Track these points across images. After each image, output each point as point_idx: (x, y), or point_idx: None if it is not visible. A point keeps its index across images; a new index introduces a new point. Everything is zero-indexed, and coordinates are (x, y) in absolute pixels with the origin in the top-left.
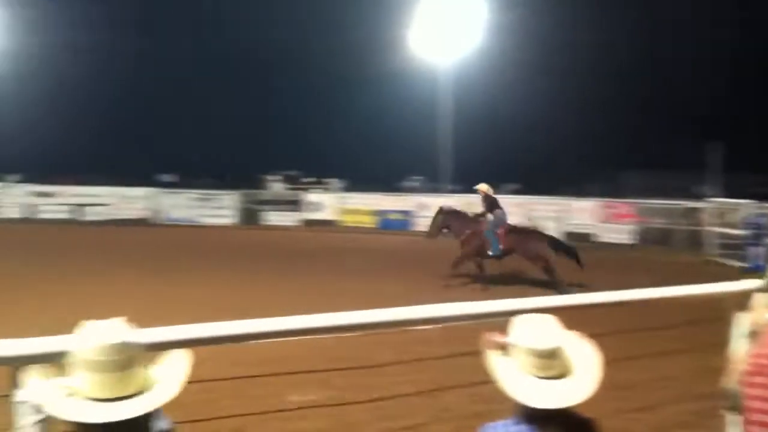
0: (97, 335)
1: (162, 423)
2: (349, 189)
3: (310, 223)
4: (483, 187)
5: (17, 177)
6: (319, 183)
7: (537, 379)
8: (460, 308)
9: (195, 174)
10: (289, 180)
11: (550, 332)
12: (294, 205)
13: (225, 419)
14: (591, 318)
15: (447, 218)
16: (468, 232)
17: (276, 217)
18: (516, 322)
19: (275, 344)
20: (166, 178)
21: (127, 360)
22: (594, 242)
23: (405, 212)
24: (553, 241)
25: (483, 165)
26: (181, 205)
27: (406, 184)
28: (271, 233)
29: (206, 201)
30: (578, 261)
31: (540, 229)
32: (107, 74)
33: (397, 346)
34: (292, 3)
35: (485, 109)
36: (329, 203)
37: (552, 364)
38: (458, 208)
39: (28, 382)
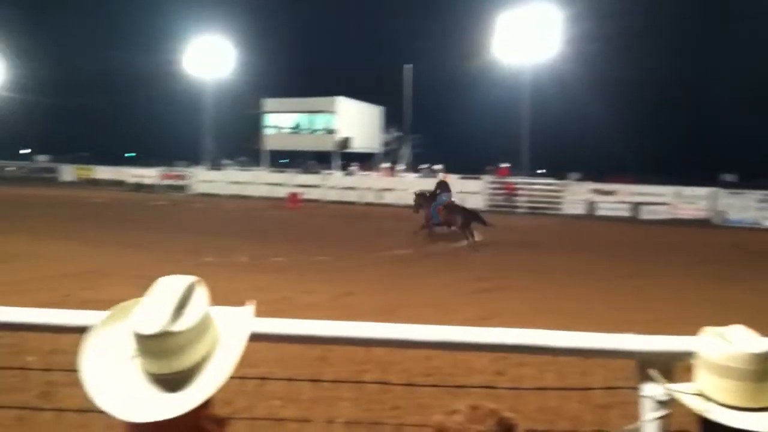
0: (737, 342)
1: None
2: None
3: None
4: (441, 175)
5: (578, 175)
6: None
7: None
8: None
9: (759, 174)
10: None
11: None
12: None
13: None
14: None
15: (419, 199)
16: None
17: None
18: None
19: None
20: (729, 177)
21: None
22: None
23: None
24: (467, 213)
25: None
26: (742, 206)
27: None
28: None
29: None
30: (483, 223)
31: (465, 207)
32: (658, 76)
33: None
34: None
35: None
36: None
37: None
38: (426, 192)
39: (655, 378)
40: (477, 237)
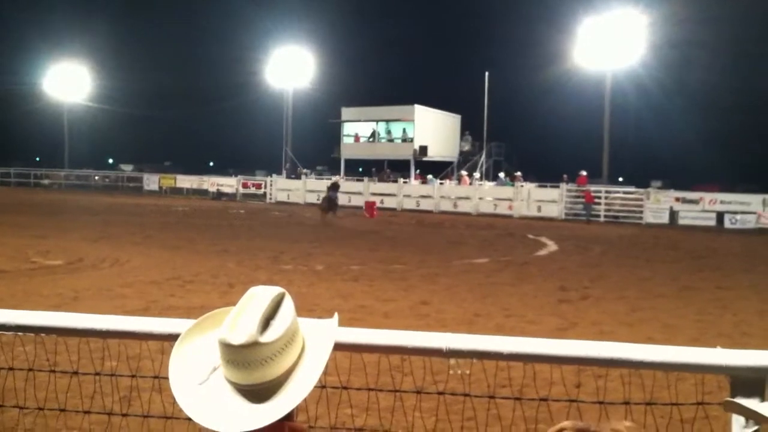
0: None
1: None
2: None
3: None
4: (335, 177)
5: (659, 183)
6: None
7: None
8: None
9: None
10: None
11: None
12: None
13: None
14: None
15: (327, 191)
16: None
17: None
18: None
19: None
20: None
21: None
22: None
23: None
24: (333, 204)
25: None
26: None
27: None
28: None
29: None
30: (334, 211)
31: (334, 200)
32: (742, 81)
33: None
34: None
35: None
36: None
37: None
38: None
39: (732, 408)
40: (334, 217)
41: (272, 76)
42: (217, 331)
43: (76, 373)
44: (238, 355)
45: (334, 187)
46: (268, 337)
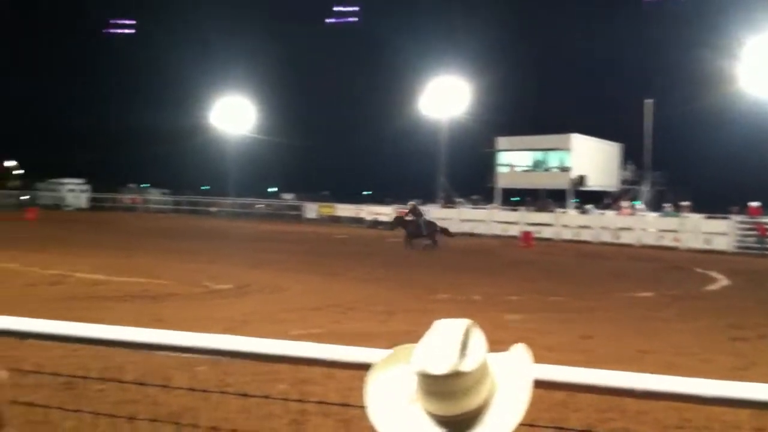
0: None
1: None
2: None
3: None
4: (409, 205)
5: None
6: None
7: None
8: None
9: None
10: None
11: None
12: None
13: None
14: None
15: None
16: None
17: None
18: None
19: None
20: None
21: None
22: None
23: None
24: (429, 226)
25: None
26: None
27: None
28: None
29: None
30: (448, 234)
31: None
32: None
33: None
34: None
35: None
36: None
37: None
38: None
39: None
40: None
41: (428, 106)
42: (403, 365)
43: (245, 395)
44: (440, 385)
45: (415, 212)
46: (467, 365)
